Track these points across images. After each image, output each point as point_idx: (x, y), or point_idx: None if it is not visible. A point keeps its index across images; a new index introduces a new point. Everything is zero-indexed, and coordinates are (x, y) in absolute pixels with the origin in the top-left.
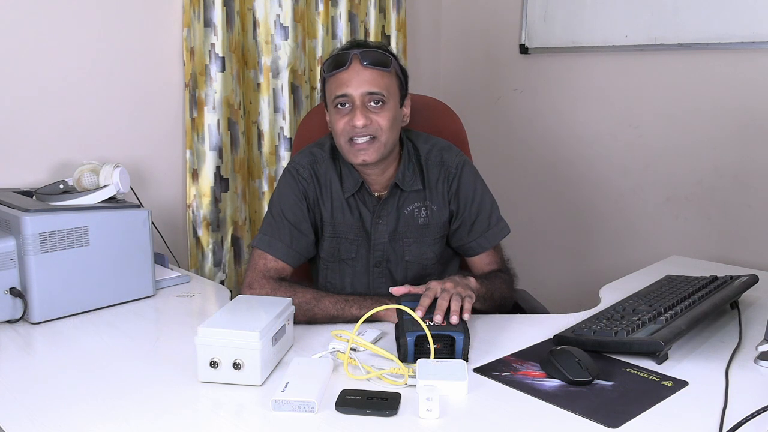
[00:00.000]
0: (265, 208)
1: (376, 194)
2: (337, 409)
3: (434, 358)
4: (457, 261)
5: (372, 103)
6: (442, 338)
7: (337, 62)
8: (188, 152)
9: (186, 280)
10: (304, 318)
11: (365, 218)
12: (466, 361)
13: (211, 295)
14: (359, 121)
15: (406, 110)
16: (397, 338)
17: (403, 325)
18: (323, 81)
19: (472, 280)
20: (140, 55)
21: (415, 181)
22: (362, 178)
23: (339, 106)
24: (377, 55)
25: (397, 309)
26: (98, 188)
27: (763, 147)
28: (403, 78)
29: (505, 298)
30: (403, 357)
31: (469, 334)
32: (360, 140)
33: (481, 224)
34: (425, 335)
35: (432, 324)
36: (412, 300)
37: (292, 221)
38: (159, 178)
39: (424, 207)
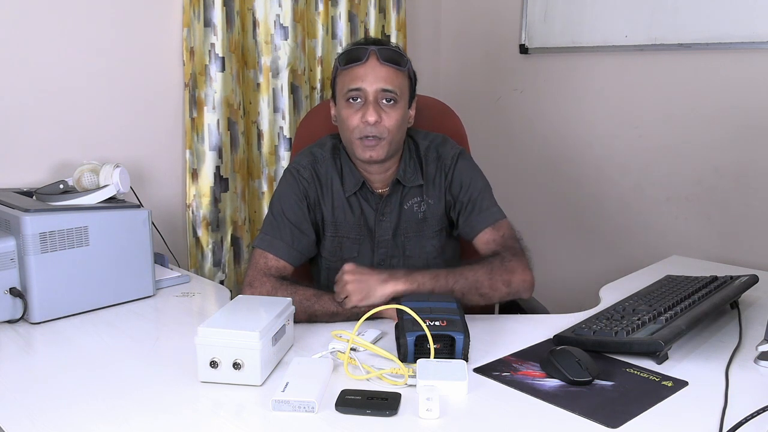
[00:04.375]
0: (265, 208)
1: (378, 191)
2: (337, 409)
3: (434, 358)
4: (459, 256)
5: (384, 101)
6: (442, 338)
7: (354, 56)
8: (188, 152)
9: (186, 280)
10: (305, 315)
11: (368, 216)
12: (466, 361)
13: (211, 295)
14: (371, 117)
15: (412, 112)
16: (397, 338)
17: (403, 325)
18: (335, 73)
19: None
20: (140, 55)
21: (416, 177)
22: (363, 177)
23: (351, 100)
24: (394, 53)
25: (397, 309)
26: (98, 188)
27: (763, 147)
28: (413, 80)
29: (480, 283)
30: (403, 357)
31: (469, 334)
32: (369, 137)
33: (469, 207)
34: (425, 335)
35: (432, 324)
36: (413, 300)
37: (293, 221)
38: (159, 178)
39: (422, 201)
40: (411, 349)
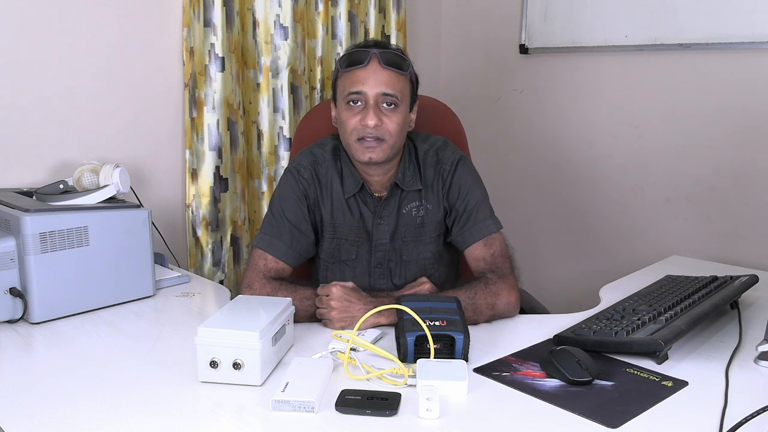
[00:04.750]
0: (265, 208)
1: (376, 195)
2: (337, 409)
3: (434, 358)
4: (457, 262)
5: (385, 105)
6: (442, 338)
7: (355, 59)
8: (188, 152)
9: (186, 280)
10: (305, 315)
11: (366, 219)
12: (466, 361)
13: (211, 295)
14: (371, 121)
15: (413, 116)
16: (397, 338)
17: (403, 325)
18: (336, 75)
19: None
20: (140, 55)
21: (414, 181)
22: (363, 179)
23: (351, 103)
24: (396, 57)
25: (397, 309)
26: (98, 188)
27: (763, 147)
28: (415, 84)
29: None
30: (403, 357)
31: (469, 334)
32: (369, 139)
33: (464, 218)
34: (425, 335)
35: (432, 324)
36: (413, 300)
37: (292, 221)
38: (159, 178)
39: (421, 206)
40: (411, 349)
